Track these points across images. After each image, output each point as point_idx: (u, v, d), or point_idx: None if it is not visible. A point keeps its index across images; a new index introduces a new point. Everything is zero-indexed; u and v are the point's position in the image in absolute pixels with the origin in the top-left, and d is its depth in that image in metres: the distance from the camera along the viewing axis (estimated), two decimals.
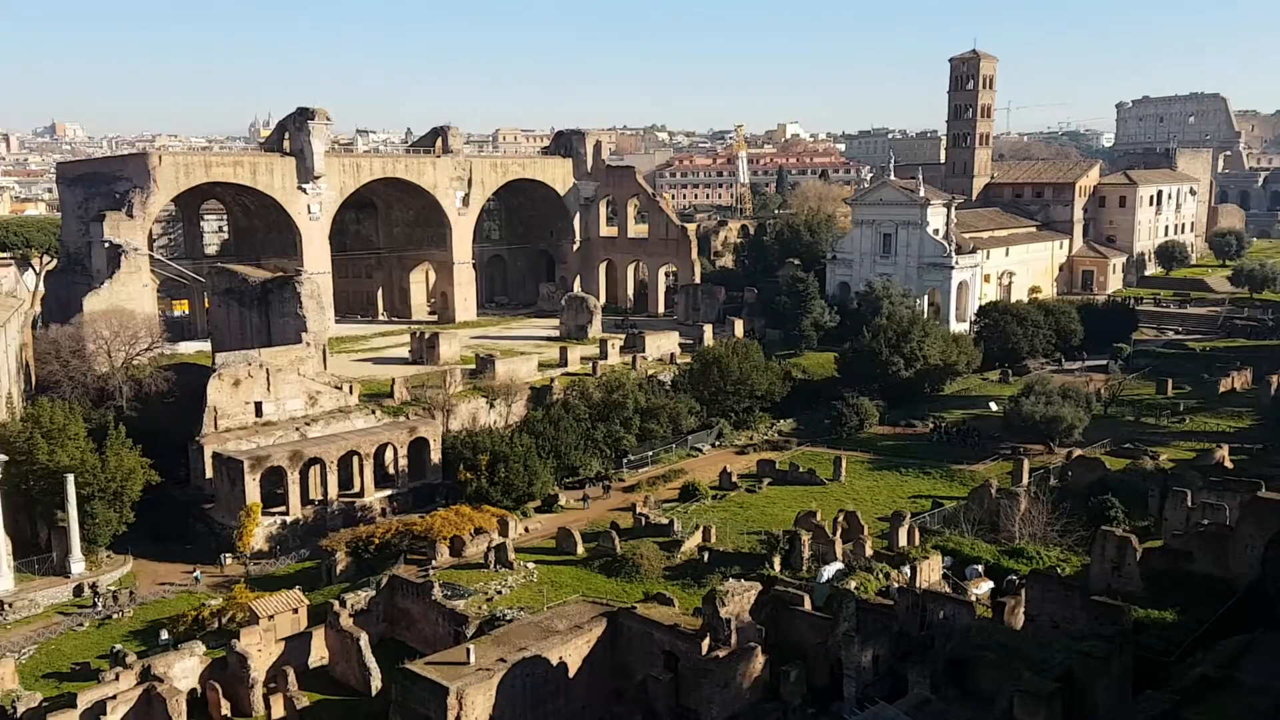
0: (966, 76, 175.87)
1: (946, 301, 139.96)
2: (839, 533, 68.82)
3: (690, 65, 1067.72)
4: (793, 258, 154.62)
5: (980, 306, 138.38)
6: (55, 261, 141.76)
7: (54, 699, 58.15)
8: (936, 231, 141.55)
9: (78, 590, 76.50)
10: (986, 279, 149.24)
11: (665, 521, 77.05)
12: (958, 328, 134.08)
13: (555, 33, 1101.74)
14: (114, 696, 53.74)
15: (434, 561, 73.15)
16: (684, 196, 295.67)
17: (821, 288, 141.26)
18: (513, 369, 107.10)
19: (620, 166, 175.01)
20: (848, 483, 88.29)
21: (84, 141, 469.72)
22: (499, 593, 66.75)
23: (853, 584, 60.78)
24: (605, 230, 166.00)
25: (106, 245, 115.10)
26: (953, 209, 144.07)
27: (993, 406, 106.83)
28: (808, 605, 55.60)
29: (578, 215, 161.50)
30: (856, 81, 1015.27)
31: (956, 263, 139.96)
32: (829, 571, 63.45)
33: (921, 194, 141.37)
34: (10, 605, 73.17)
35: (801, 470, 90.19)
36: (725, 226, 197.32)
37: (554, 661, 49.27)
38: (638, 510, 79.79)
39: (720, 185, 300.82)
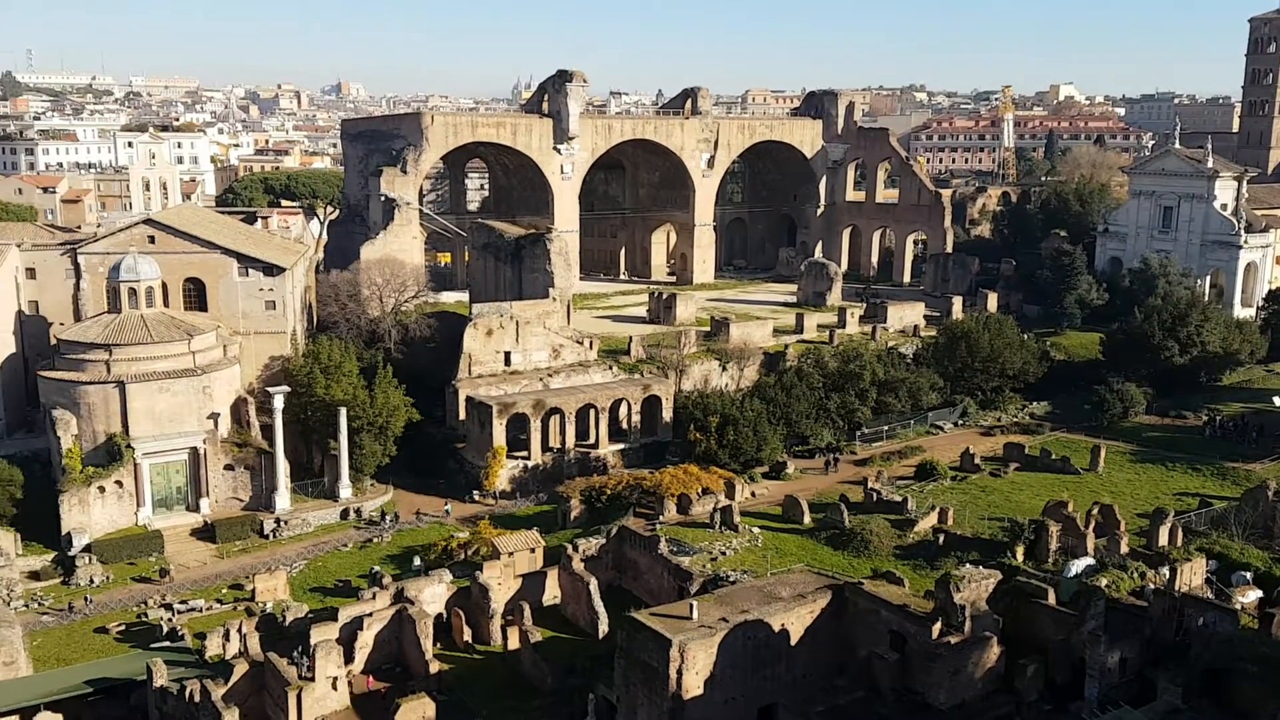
0: (1268, 39, 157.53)
1: (1231, 283, 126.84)
2: (1091, 526, 64.44)
3: (955, 21, 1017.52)
4: (1058, 229, 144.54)
5: (1270, 291, 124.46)
6: (337, 211, 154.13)
7: (318, 611, 64.05)
8: (1224, 206, 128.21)
9: (344, 514, 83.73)
10: (1278, 261, 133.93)
11: (898, 499, 74.76)
12: (1242, 313, 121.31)
13: None
14: (370, 614, 58.32)
15: (661, 517, 74.57)
16: (940, 161, 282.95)
17: (1090, 262, 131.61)
18: (747, 333, 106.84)
19: (873, 128, 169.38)
20: (1105, 474, 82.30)
21: (365, 100, 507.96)
22: (723, 554, 67.20)
23: (1103, 581, 56.76)
24: (852, 195, 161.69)
25: (383, 199, 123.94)
26: (1244, 183, 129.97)
27: (1277, 402, 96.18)
28: (1051, 599, 52.36)
29: (824, 179, 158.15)
30: (1140, 41, 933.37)
31: (1245, 241, 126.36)
32: (1078, 566, 59.62)
33: (1209, 165, 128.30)
34: (286, 523, 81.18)
35: (1054, 457, 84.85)
36: (984, 193, 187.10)
37: (776, 628, 48.99)
38: (869, 485, 77.84)
39: (981, 150, 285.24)
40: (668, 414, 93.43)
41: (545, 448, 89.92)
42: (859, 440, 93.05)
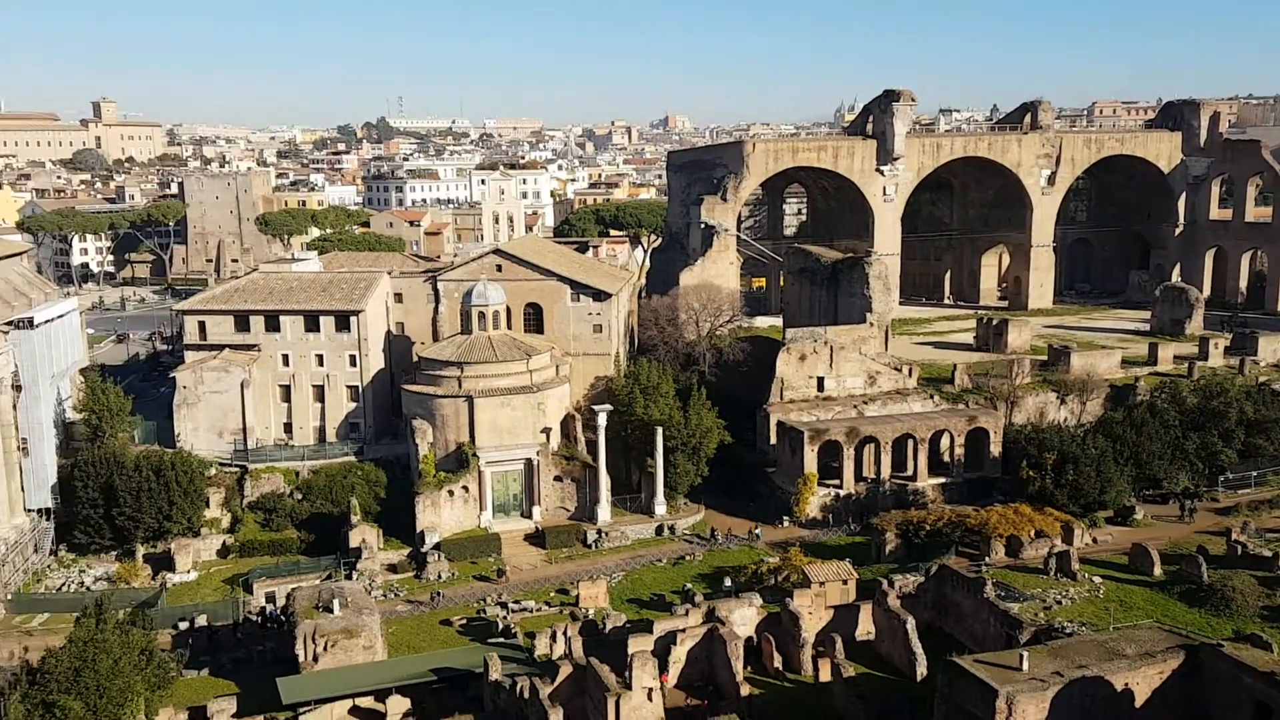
0: None
1: None
2: None
3: None
4: None
5: None
6: (660, 239, 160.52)
7: (635, 622, 66.15)
8: None
9: (659, 530, 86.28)
10: None
11: (1268, 554, 65.55)
12: None
13: None
14: (683, 630, 59.37)
15: (987, 558, 70.18)
16: None
17: None
18: (1090, 363, 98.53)
19: (1241, 140, 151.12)
20: None
21: (690, 132, 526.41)
22: (1058, 602, 61.99)
23: None
24: (1216, 213, 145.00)
25: (702, 226, 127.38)
26: None
27: None
28: None
29: (1183, 196, 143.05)
30: None
31: None
32: None
33: None
34: (606, 534, 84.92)
35: None
36: None
37: (1118, 687, 44.40)
38: (1233, 537, 68.91)
39: None
40: (996, 448, 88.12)
41: (859, 477, 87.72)
42: (1221, 486, 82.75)
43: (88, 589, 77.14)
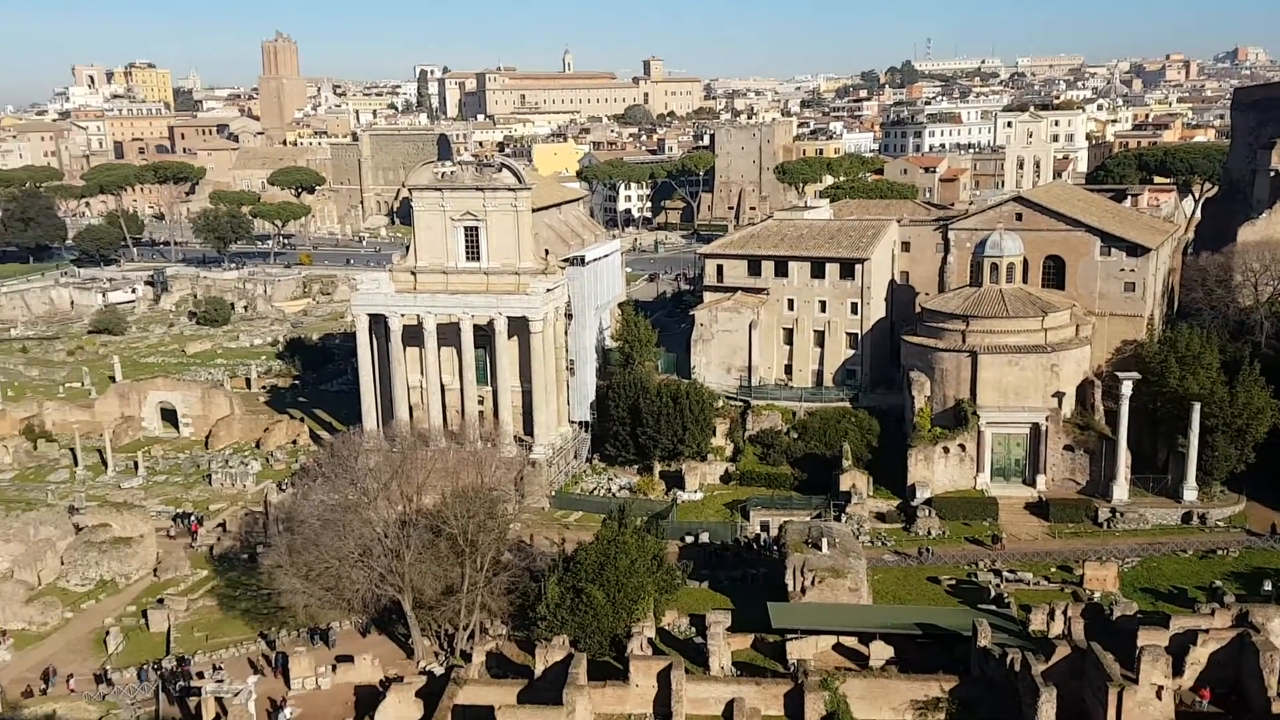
0: None
1: None
2: None
3: None
4: None
5: None
6: (1215, 189, 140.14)
7: (1148, 614, 59.93)
8: None
9: (1186, 517, 76.63)
10: None
11: None
12: None
13: None
14: (1206, 631, 52.73)
15: None
16: None
17: None
18: None
19: None
20: None
21: (1264, 65, 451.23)
22: None
23: None
24: None
25: (1272, 174, 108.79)
26: None
27: None
28: None
29: None
30: None
31: None
32: None
33: None
34: (1121, 514, 77.22)
35: None
36: None
37: None
38: None
39: None
40: None
41: None
42: None
43: (613, 495, 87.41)
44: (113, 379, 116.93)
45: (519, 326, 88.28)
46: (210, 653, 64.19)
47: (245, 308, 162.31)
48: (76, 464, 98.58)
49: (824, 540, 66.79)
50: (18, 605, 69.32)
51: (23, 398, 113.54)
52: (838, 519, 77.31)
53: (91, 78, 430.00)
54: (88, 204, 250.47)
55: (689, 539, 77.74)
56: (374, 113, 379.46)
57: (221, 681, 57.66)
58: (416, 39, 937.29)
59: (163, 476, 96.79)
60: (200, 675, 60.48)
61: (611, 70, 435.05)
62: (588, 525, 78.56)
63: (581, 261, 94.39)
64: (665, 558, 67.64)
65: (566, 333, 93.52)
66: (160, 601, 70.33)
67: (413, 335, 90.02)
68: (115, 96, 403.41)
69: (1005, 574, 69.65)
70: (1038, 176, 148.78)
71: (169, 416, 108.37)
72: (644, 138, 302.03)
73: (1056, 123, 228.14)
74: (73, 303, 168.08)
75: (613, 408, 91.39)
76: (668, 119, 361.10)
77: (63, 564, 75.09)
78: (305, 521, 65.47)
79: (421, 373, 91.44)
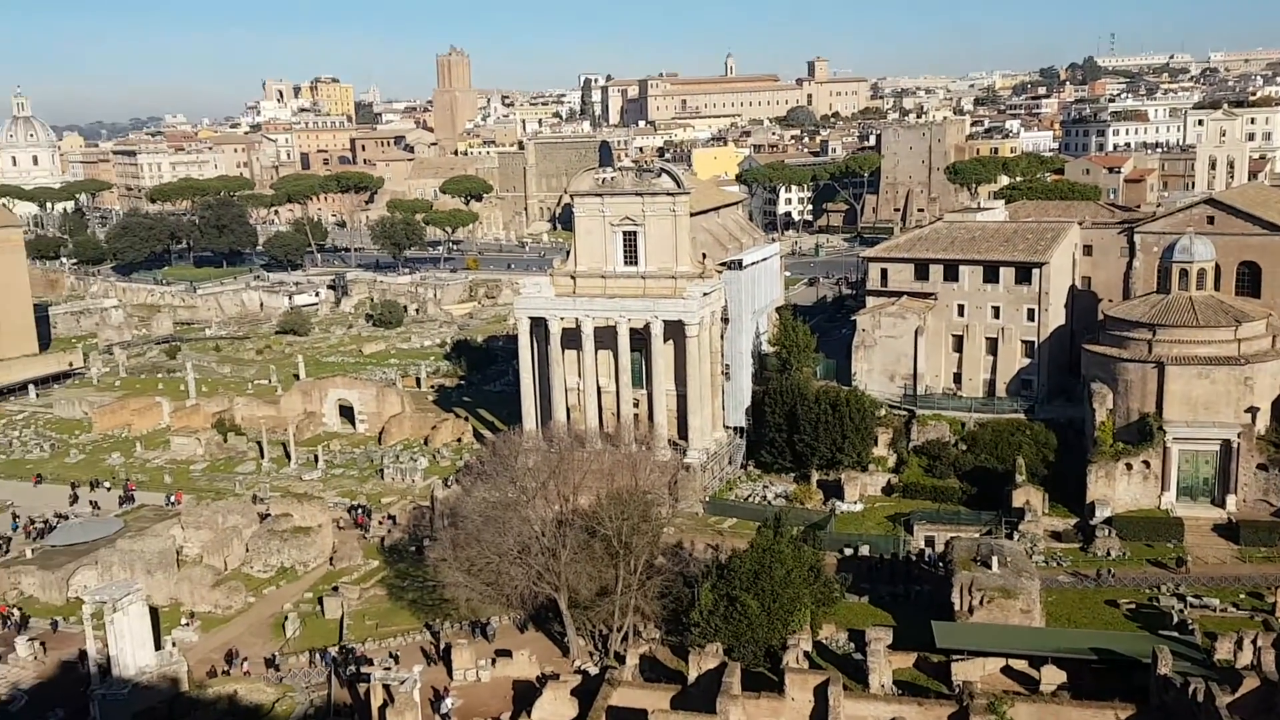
0: None
1: None
2: None
3: None
4: None
5: None
6: None
7: None
8: None
9: None
10: None
11: None
12: None
13: None
14: None
15: None
16: None
17: None
18: None
19: None
20: None
21: None
22: None
23: None
24: None
25: None
26: None
27: None
28: None
29: None
30: None
31: None
32: None
33: None
34: None
35: None
36: None
37: None
38: None
39: None
40: None
41: None
42: None
43: (769, 503, 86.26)
44: (297, 377, 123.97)
45: (675, 330, 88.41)
46: (379, 640, 66.92)
47: (417, 310, 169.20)
48: (263, 456, 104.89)
49: (994, 558, 63.89)
50: (205, 589, 74.13)
51: (215, 393, 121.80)
52: (1009, 537, 73.79)
53: (280, 92, 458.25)
54: (276, 212, 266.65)
55: (848, 551, 75.90)
56: (539, 121, 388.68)
57: (389, 669, 59.95)
58: (582, 49, 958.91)
59: (340, 470, 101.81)
60: (369, 661, 63.10)
61: (775, 73, 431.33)
62: (742, 532, 77.84)
63: (739, 265, 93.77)
64: (823, 569, 66.24)
65: (723, 337, 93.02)
66: (335, 589, 73.90)
67: (571, 338, 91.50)
68: (302, 110, 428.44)
69: (1190, 599, 65.06)
70: (1231, 177, 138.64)
71: (346, 413, 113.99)
72: (806, 140, 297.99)
73: (1253, 120, 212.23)
74: (262, 304, 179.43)
75: (769, 414, 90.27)
76: (831, 120, 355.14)
77: (247, 551, 79.92)
78: (468, 517, 67.45)
79: (579, 375, 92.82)
